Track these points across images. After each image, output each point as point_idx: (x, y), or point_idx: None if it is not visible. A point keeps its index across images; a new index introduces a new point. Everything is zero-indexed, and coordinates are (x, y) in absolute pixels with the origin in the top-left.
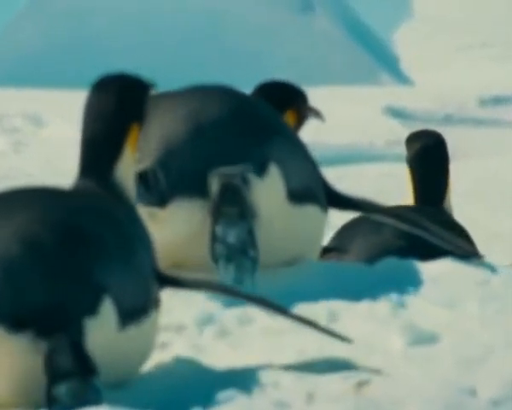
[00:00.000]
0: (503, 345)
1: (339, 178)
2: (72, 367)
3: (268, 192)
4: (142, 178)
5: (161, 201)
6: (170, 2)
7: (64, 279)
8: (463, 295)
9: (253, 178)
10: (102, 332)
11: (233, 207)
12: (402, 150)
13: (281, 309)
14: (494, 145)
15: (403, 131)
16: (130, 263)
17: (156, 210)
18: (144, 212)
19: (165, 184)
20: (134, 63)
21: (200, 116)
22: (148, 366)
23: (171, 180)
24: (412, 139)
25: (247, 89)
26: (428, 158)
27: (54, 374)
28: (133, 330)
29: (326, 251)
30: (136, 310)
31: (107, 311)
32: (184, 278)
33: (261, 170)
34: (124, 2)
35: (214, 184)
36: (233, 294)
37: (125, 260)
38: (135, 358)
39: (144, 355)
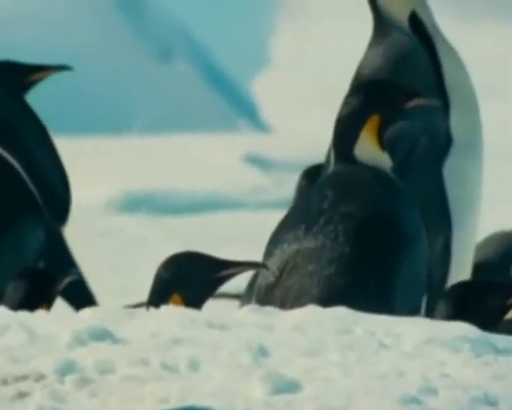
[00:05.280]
0: (363, 393)
1: (199, 226)
2: None
3: None
4: None
5: None
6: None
7: None
8: (325, 343)
9: None
10: None
11: None
12: (261, 198)
13: None
14: None
15: (262, 179)
16: None
17: None
18: None
19: None
20: None
21: None
22: None
23: None
24: None
25: (106, 135)
26: None
27: None
28: None
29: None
30: None
31: None
32: None
33: None
34: None
35: None
36: None
37: None
38: None
39: None
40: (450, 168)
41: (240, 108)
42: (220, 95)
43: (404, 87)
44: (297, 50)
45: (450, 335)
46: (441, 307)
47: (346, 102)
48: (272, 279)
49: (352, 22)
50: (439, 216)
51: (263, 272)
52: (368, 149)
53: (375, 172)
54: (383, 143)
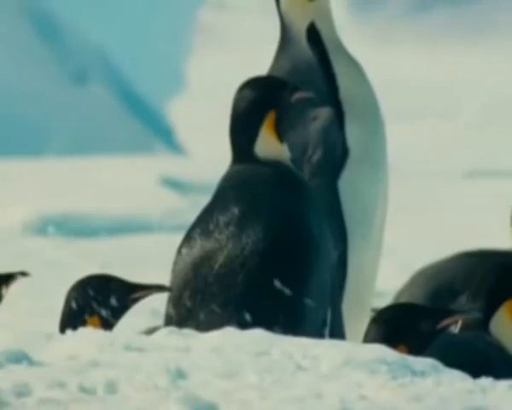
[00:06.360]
0: None
1: (114, 249)
2: None
3: None
4: None
5: None
6: None
7: None
8: (242, 365)
9: None
10: None
11: None
12: (177, 221)
13: None
14: None
15: (178, 202)
16: None
17: None
18: None
19: None
20: None
21: None
22: None
23: None
24: None
25: (22, 157)
26: None
27: None
28: None
29: None
30: None
31: None
32: None
33: None
34: None
35: None
36: None
37: None
38: None
39: None
40: (346, 181)
41: (155, 131)
42: (136, 117)
43: (287, 83)
44: (213, 73)
45: (368, 357)
46: (371, 328)
47: (239, 103)
48: (182, 311)
49: (270, 47)
50: (333, 230)
51: (171, 302)
52: (268, 145)
53: (277, 173)
54: (280, 136)
